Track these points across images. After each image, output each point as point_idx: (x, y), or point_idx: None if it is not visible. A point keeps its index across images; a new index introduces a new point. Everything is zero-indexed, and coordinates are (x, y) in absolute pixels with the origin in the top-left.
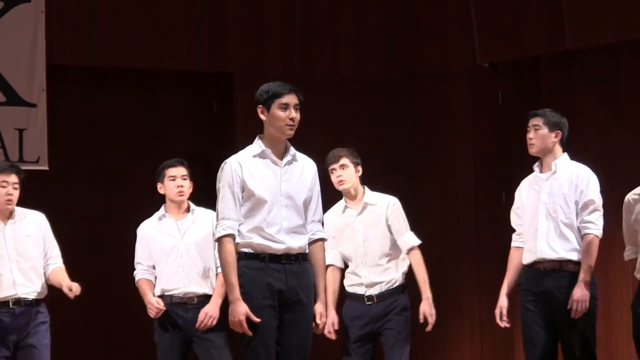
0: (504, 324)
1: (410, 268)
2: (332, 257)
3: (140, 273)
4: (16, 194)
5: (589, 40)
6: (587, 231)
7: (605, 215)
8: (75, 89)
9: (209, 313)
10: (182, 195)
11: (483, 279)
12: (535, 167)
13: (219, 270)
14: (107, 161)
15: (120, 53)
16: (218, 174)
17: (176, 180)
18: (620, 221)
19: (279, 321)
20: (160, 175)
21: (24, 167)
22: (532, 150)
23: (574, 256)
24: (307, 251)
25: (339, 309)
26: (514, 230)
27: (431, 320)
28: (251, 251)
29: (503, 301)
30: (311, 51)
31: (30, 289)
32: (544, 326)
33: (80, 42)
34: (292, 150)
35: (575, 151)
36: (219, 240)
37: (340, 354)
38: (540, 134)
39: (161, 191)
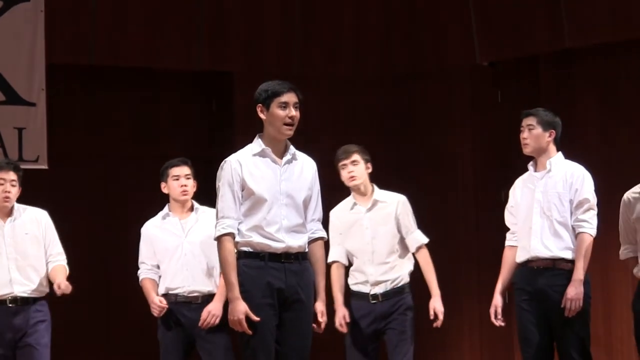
0: (498, 322)
1: (416, 267)
2: (338, 253)
3: (144, 272)
4: (14, 191)
5: (588, 40)
6: (581, 230)
7: (604, 215)
8: (74, 89)
9: (212, 311)
10: (185, 195)
11: (483, 278)
12: (530, 166)
13: None
14: (107, 160)
15: (119, 52)
16: (218, 173)
17: (180, 180)
18: None
19: (279, 320)
20: (163, 174)
21: (24, 167)
22: (527, 150)
23: (568, 255)
24: (306, 250)
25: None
26: (508, 229)
27: (441, 316)
28: (251, 250)
29: (497, 300)
30: (311, 50)
31: (28, 287)
32: (538, 325)
33: (79, 42)
34: (292, 149)
35: (575, 150)
36: (219, 239)
37: (340, 354)
38: (534, 134)
39: (165, 190)
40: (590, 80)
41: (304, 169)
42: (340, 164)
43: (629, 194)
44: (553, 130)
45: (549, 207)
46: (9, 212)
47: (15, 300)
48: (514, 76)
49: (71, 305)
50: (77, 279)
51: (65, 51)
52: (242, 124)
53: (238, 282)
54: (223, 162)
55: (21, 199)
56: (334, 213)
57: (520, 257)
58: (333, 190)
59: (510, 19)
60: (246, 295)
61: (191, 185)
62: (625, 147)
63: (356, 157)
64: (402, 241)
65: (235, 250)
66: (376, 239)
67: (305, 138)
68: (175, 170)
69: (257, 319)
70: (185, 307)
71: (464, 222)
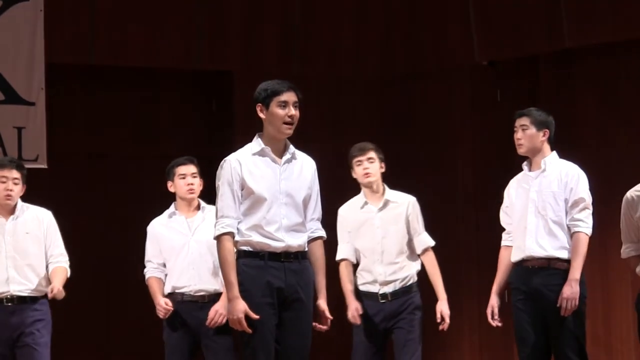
0: (495, 323)
1: (421, 268)
2: (347, 251)
3: (150, 271)
4: (17, 189)
5: (587, 39)
6: (576, 229)
7: (604, 215)
8: (74, 88)
9: (219, 310)
10: (192, 193)
11: (483, 278)
12: (524, 166)
13: None
14: (106, 159)
15: (119, 52)
16: (217, 172)
17: (186, 178)
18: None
19: (278, 319)
20: (170, 173)
21: None
22: (521, 151)
23: (563, 254)
24: (306, 249)
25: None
26: (503, 229)
27: (447, 320)
28: (250, 249)
29: (494, 301)
30: (310, 50)
31: (24, 286)
32: (534, 325)
33: (79, 41)
34: (292, 148)
35: (575, 150)
36: (218, 238)
37: (340, 354)
38: (528, 134)
39: (171, 189)
40: (590, 80)
41: (303, 168)
42: (356, 160)
43: (632, 192)
44: (547, 130)
45: (543, 207)
46: (12, 210)
47: (12, 299)
48: (514, 76)
49: (71, 305)
50: (76, 278)
51: (65, 51)
52: (242, 123)
53: (238, 281)
54: (223, 161)
55: (20, 198)
56: (343, 210)
57: (516, 257)
58: (333, 190)
59: (510, 19)
60: (246, 295)
61: (198, 184)
62: (625, 147)
63: (372, 154)
64: (411, 242)
65: (235, 250)
66: (386, 239)
67: (305, 138)
68: (182, 169)
69: (256, 317)
70: (192, 306)
71: (464, 222)
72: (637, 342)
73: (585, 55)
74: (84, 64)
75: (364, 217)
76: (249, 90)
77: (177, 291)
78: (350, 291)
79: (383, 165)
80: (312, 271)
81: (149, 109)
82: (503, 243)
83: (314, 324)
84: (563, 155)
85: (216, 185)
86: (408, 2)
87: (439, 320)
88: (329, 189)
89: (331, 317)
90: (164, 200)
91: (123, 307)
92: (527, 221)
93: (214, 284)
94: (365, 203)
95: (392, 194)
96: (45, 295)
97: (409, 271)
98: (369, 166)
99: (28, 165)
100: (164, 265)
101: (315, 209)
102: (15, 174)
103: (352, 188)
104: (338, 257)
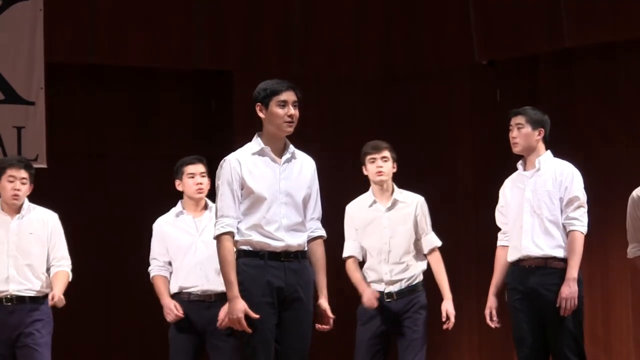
0: (494, 324)
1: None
2: (353, 248)
3: (155, 269)
4: (24, 189)
5: (587, 39)
6: (572, 228)
7: (604, 215)
8: (74, 88)
9: None
10: (201, 192)
11: (482, 278)
12: (519, 165)
13: None
14: (106, 159)
15: (119, 51)
16: (217, 172)
17: (195, 178)
18: (620, 221)
19: (278, 319)
20: (178, 172)
21: None
22: (516, 149)
23: (559, 253)
24: (306, 249)
25: (352, 305)
26: (499, 229)
27: (452, 319)
28: (250, 249)
29: (492, 302)
30: (310, 50)
31: (24, 286)
32: (532, 324)
33: (79, 41)
34: (291, 147)
35: (574, 149)
36: (218, 238)
37: (339, 353)
38: (523, 133)
39: (179, 188)
40: (590, 80)
41: (303, 168)
42: (369, 157)
43: (637, 192)
44: (542, 129)
45: (539, 206)
46: (18, 210)
47: (11, 299)
48: (514, 76)
49: (71, 305)
50: (76, 279)
51: (65, 50)
52: (241, 123)
53: (238, 280)
54: (222, 161)
55: None
56: (350, 208)
57: (512, 257)
58: (333, 190)
59: (509, 18)
60: (246, 294)
61: (206, 184)
62: (625, 147)
63: (386, 153)
64: (417, 242)
65: (235, 249)
66: (394, 239)
67: (305, 138)
68: (191, 168)
69: (256, 316)
70: (199, 305)
71: (464, 222)
72: (636, 342)
73: (585, 55)
74: (83, 63)
75: (371, 215)
76: (249, 90)
77: (184, 291)
78: (360, 279)
79: (395, 165)
80: (312, 271)
81: (149, 109)
82: (499, 243)
83: (316, 324)
84: (563, 155)
85: (216, 185)
86: (408, 2)
87: (444, 320)
88: (329, 188)
89: (333, 317)
90: (164, 200)
91: (123, 307)
92: (523, 221)
93: (221, 285)
94: (374, 202)
95: (400, 194)
96: (46, 296)
97: (415, 270)
98: (382, 165)
99: None
100: (170, 264)
101: (315, 209)
102: (23, 173)
103: (352, 188)
104: (345, 254)
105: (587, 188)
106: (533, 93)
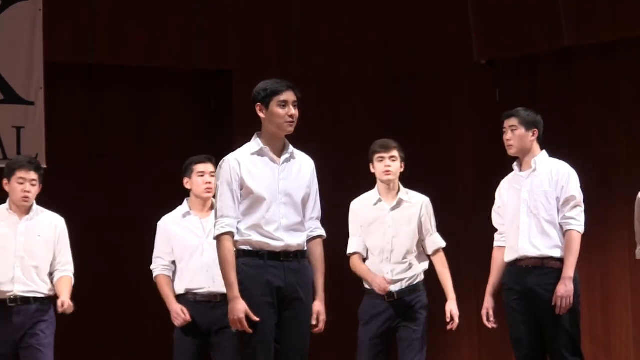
0: (491, 324)
1: (431, 269)
2: (358, 244)
3: (160, 268)
4: (34, 190)
5: (586, 38)
6: (568, 227)
7: (604, 215)
8: (73, 87)
9: None
10: (209, 192)
11: (482, 278)
12: (515, 166)
13: None
14: (106, 159)
15: (119, 51)
16: (216, 172)
17: (204, 177)
18: (620, 221)
19: (278, 319)
20: (187, 170)
21: None
22: (511, 152)
23: (556, 253)
24: (305, 248)
25: (352, 305)
26: (495, 230)
27: (457, 320)
28: (250, 249)
29: (489, 302)
30: (310, 50)
31: (29, 287)
32: (529, 324)
33: (79, 41)
34: (291, 148)
35: (574, 149)
36: (218, 238)
37: (339, 353)
38: (517, 135)
39: (187, 186)
40: (590, 80)
41: (302, 168)
42: (378, 156)
43: None
44: (536, 129)
45: (536, 206)
46: (26, 211)
47: (16, 299)
48: (513, 75)
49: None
50: (76, 279)
51: (65, 50)
52: (241, 123)
53: (237, 280)
54: (222, 161)
55: None
56: (355, 205)
57: (509, 257)
58: (333, 190)
59: (509, 18)
60: (245, 294)
61: (215, 183)
62: (625, 147)
63: (395, 153)
64: (421, 242)
65: (235, 249)
66: (397, 238)
67: (305, 138)
68: (200, 167)
69: (257, 319)
70: (204, 306)
71: (463, 221)
72: (636, 342)
73: (585, 55)
74: (83, 63)
75: (376, 214)
76: (249, 90)
77: (190, 292)
78: (367, 270)
79: (403, 164)
80: (311, 270)
81: (149, 109)
82: (496, 244)
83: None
84: (563, 155)
85: (215, 185)
86: (408, 2)
87: (448, 320)
88: (328, 188)
89: (324, 320)
90: (164, 199)
91: (123, 307)
92: (520, 221)
93: None
94: (379, 200)
95: (406, 194)
96: (49, 298)
97: (417, 270)
98: (390, 164)
99: None
100: (173, 263)
101: (315, 208)
102: (33, 175)
103: (352, 188)
104: (349, 250)
105: (587, 188)
106: (533, 93)
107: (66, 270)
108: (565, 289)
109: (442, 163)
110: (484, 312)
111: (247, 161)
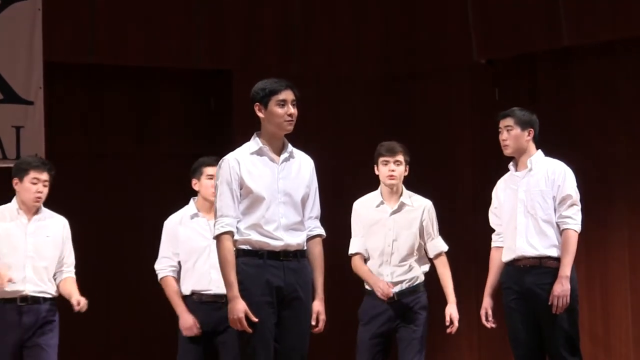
0: (489, 324)
1: (432, 269)
2: (360, 245)
3: (166, 269)
4: (45, 191)
5: (586, 38)
6: (565, 226)
7: (605, 215)
8: (73, 87)
9: None
10: None
11: (481, 278)
12: (511, 166)
13: None
14: (106, 159)
15: (118, 51)
16: (216, 172)
17: (214, 180)
18: (620, 221)
19: (278, 318)
20: (196, 171)
21: None
22: (507, 152)
23: (554, 252)
24: (305, 248)
25: (352, 305)
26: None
27: (456, 323)
28: (249, 248)
29: (487, 302)
30: (310, 50)
31: (39, 288)
32: (528, 324)
33: (79, 40)
34: (290, 147)
35: (573, 149)
36: (218, 237)
37: (339, 353)
38: (513, 134)
39: (196, 187)
40: (590, 79)
41: (301, 167)
42: (382, 159)
43: None
44: (531, 129)
45: (532, 206)
46: (35, 212)
47: (26, 299)
48: (513, 75)
49: (70, 305)
50: (76, 278)
51: (64, 50)
52: (241, 123)
53: (237, 280)
54: (221, 160)
55: None
56: (358, 205)
57: (507, 257)
58: (333, 190)
59: (508, 17)
60: (245, 293)
61: None
62: (623, 144)
63: (400, 157)
64: (422, 246)
65: (234, 249)
66: (397, 242)
67: (305, 138)
68: (210, 170)
69: (256, 319)
70: (210, 306)
71: (464, 222)
72: (635, 342)
73: (585, 55)
74: (83, 63)
75: (377, 216)
76: (249, 90)
77: (195, 293)
78: (369, 272)
79: (408, 168)
80: (310, 270)
81: (149, 109)
82: (493, 244)
83: None
84: (562, 155)
85: (215, 185)
86: (407, 2)
87: (447, 324)
88: (328, 188)
89: (324, 319)
90: (164, 199)
91: (123, 307)
92: (517, 221)
93: None
94: (381, 202)
95: (408, 197)
96: (55, 298)
97: (417, 272)
98: (394, 168)
99: None
100: (179, 264)
101: (314, 208)
102: (45, 176)
103: (352, 188)
104: (351, 250)
105: (587, 188)
106: (532, 92)
107: (70, 271)
108: (561, 288)
109: (442, 163)
110: (482, 313)
111: (246, 161)
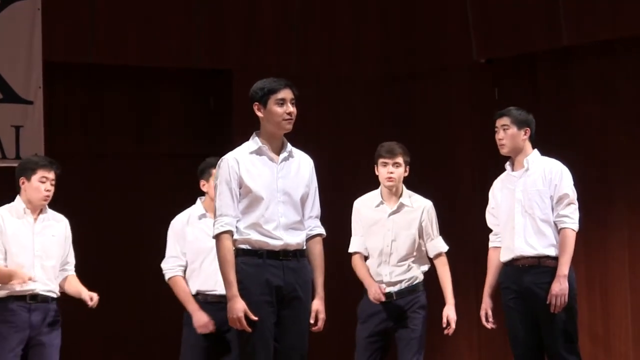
0: (489, 325)
1: (432, 269)
2: (360, 244)
3: (174, 269)
4: (52, 190)
5: (586, 37)
6: (563, 225)
7: (604, 215)
8: (73, 87)
9: None
10: None
11: (481, 279)
12: (507, 166)
13: None
14: (106, 159)
15: (118, 51)
16: (215, 171)
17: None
18: (620, 221)
19: (277, 318)
20: (204, 172)
21: None
22: (504, 151)
23: (552, 252)
24: (304, 247)
25: (352, 304)
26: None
27: (453, 325)
28: (249, 247)
29: (487, 303)
30: (309, 49)
31: (47, 287)
32: (527, 323)
33: (78, 40)
34: (289, 146)
35: (573, 149)
36: (217, 237)
37: (339, 353)
38: (509, 134)
39: (204, 189)
40: (590, 79)
41: (301, 166)
42: (382, 160)
43: None
44: (528, 128)
45: (530, 206)
46: (40, 211)
47: (35, 297)
48: (513, 75)
49: (70, 305)
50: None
51: (64, 50)
52: (241, 122)
53: (237, 279)
54: (220, 160)
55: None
56: (358, 204)
57: (505, 257)
58: (332, 189)
59: (508, 17)
60: (244, 293)
61: None
62: (623, 143)
63: (400, 159)
64: (421, 246)
65: (234, 248)
66: (396, 242)
67: (305, 137)
68: None
69: (255, 318)
70: (215, 306)
71: (463, 222)
72: (635, 341)
73: (585, 54)
74: (83, 63)
75: (377, 216)
76: (248, 90)
77: (201, 293)
78: (366, 274)
79: (407, 169)
80: (310, 269)
81: (149, 109)
82: (491, 244)
83: None
84: (562, 155)
85: (214, 184)
86: (407, 2)
87: (444, 325)
88: (328, 188)
89: (324, 318)
90: (164, 199)
91: (123, 307)
92: (515, 221)
93: None
94: (381, 202)
95: (408, 198)
96: (58, 298)
97: (416, 272)
98: (393, 170)
99: None
100: (186, 264)
101: (314, 207)
102: (53, 175)
103: (352, 187)
104: (351, 249)
105: (587, 188)
106: (532, 92)
107: (72, 269)
108: (559, 287)
109: (442, 163)
110: (482, 313)
111: (245, 160)
